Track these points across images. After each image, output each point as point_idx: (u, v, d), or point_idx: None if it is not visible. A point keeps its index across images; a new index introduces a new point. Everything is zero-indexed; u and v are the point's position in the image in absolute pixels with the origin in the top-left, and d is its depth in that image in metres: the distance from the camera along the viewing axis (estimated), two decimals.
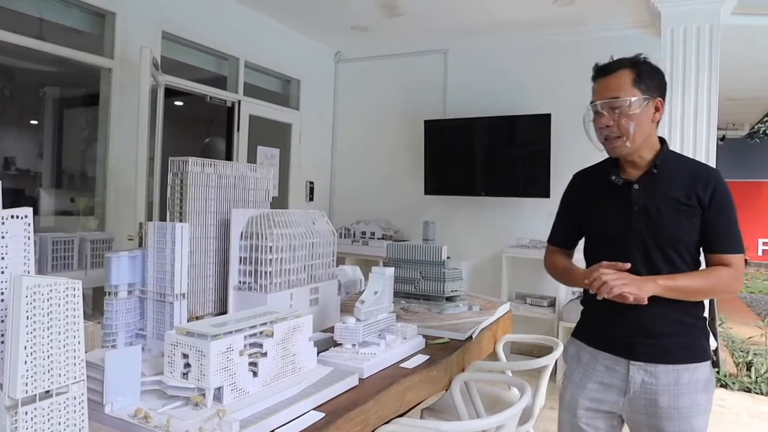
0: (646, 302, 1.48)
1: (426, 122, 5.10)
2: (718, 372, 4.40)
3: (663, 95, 1.63)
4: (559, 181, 4.61)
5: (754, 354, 4.69)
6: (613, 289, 1.47)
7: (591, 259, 1.71)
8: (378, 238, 5.01)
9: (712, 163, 3.41)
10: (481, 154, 4.94)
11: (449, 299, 2.47)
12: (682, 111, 3.48)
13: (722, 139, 11.28)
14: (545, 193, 4.58)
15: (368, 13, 4.60)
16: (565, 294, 4.51)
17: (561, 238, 1.88)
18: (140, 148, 3.23)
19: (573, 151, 4.66)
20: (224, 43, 4.53)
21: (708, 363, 1.61)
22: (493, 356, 2.46)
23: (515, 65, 4.95)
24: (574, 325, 4.29)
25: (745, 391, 4.27)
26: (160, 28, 3.95)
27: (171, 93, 4.32)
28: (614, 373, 1.64)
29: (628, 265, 1.52)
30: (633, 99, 1.56)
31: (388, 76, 5.57)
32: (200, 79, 4.43)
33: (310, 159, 5.52)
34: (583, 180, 1.85)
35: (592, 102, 1.65)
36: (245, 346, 1.37)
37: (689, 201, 1.56)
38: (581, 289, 1.82)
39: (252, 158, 4.86)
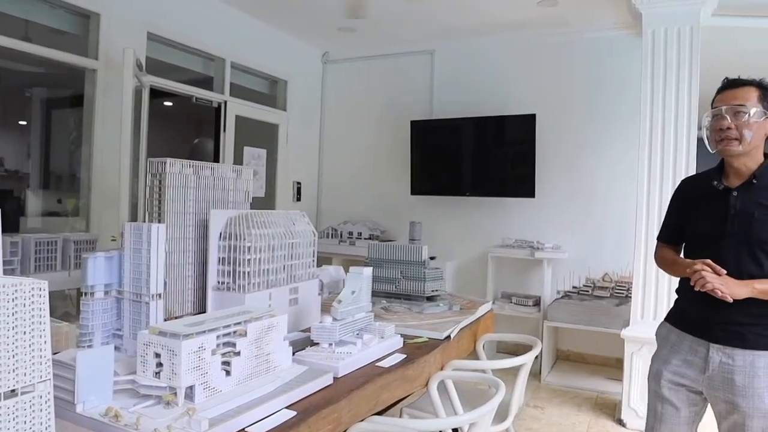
0: (731, 301, 1.68)
1: (413, 122, 5.12)
2: None
3: None
4: (544, 180, 4.67)
5: None
6: (706, 284, 1.69)
7: (689, 255, 1.93)
8: (365, 239, 5.03)
9: (692, 166, 3.45)
10: (467, 155, 4.97)
11: (430, 299, 2.49)
12: (663, 111, 3.51)
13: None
14: (530, 193, 4.61)
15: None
16: (551, 293, 4.55)
17: (668, 235, 2.09)
18: (123, 149, 3.23)
19: (558, 151, 4.72)
20: (210, 44, 4.53)
21: None
22: (474, 355, 2.48)
23: (501, 66, 4.98)
24: (558, 323, 4.33)
25: None
26: (146, 29, 3.95)
27: (160, 94, 4.32)
28: (696, 353, 1.85)
29: (725, 272, 1.72)
30: (755, 110, 1.77)
31: (375, 76, 5.59)
32: (186, 80, 4.43)
33: (297, 159, 5.53)
34: (689, 184, 2.07)
35: (715, 107, 1.84)
36: (218, 345, 1.38)
37: None
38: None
39: (239, 159, 4.86)
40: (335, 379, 1.60)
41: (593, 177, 4.59)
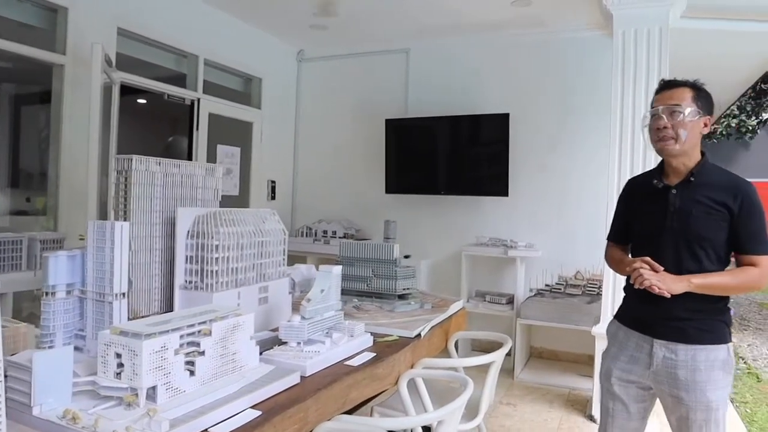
0: (668, 296, 1.75)
1: (387, 121, 5.12)
2: None
3: (711, 115, 1.92)
4: (518, 179, 4.71)
5: None
6: (644, 281, 1.77)
7: (634, 252, 2.01)
8: (339, 237, 5.02)
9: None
10: (441, 153, 4.99)
11: (401, 297, 2.49)
12: (633, 112, 3.56)
13: None
14: (504, 192, 4.65)
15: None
16: (524, 291, 4.60)
17: (615, 234, 2.15)
18: (92, 146, 3.17)
19: (531, 150, 4.76)
20: (183, 41, 4.46)
21: (725, 346, 1.83)
22: (446, 353, 2.49)
23: (475, 65, 5.01)
24: (531, 321, 4.37)
25: None
26: (116, 24, 3.87)
27: (132, 91, 4.25)
28: (642, 349, 1.91)
29: (662, 268, 1.79)
30: (689, 109, 1.84)
31: (350, 75, 5.57)
32: (159, 77, 4.36)
33: (271, 158, 5.49)
34: (633, 184, 2.13)
35: (653, 107, 1.92)
36: (181, 345, 1.36)
37: (718, 207, 1.81)
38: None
39: (212, 157, 4.81)
40: (303, 378, 1.59)
41: (565, 176, 4.65)
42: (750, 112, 11.67)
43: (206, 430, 1.23)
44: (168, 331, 1.33)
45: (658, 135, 1.87)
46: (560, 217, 4.64)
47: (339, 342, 1.83)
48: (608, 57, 3.83)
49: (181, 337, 1.37)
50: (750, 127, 11.91)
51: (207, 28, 4.64)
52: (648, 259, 1.81)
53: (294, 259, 4.92)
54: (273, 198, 5.50)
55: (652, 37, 3.59)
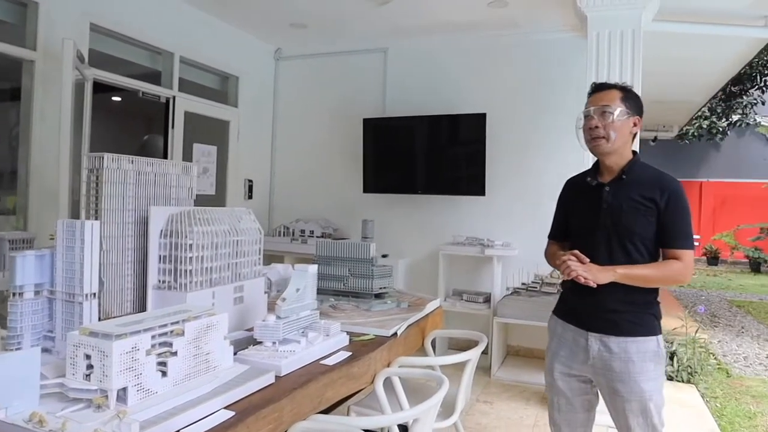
0: (594, 285, 1.85)
1: (365, 120, 5.12)
2: None
3: (640, 115, 2.01)
4: (494, 179, 4.75)
5: (678, 344, 4.94)
6: (571, 272, 1.87)
7: (572, 248, 2.02)
8: (317, 237, 5.00)
9: None
10: (419, 153, 5.00)
11: (378, 296, 2.49)
12: None
13: (654, 140, 11.85)
14: (481, 192, 4.68)
15: (306, 10, 4.58)
16: (500, 290, 4.63)
17: (555, 232, 2.24)
18: (63, 144, 3.11)
19: (507, 150, 4.80)
20: (158, 38, 4.40)
21: (656, 338, 1.92)
22: (423, 352, 2.49)
23: (453, 65, 5.03)
24: (508, 319, 4.40)
25: (668, 379, 4.49)
26: (88, 19, 3.80)
27: (106, 88, 4.17)
28: (578, 343, 1.99)
29: (588, 260, 1.90)
30: (618, 110, 1.94)
31: (328, 74, 5.56)
32: (133, 74, 4.29)
33: (249, 157, 5.44)
34: (571, 184, 2.22)
35: (585, 109, 2.02)
36: (153, 345, 1.34)
37: (647, 203, 1.91)
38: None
39: (188, 156, 4.75)
40: (278, 377, 1.58)
41: (541, 175, 4.69)
42: (720, 114, 11.93)
43: (178, 431, 1.22)
44: (139, 332, 1.31)
45: (590, 135, 1.97)
46: (536, 216, 4.68)
47: (314, 341, 1.83)
48: (583, 58, 3.89)
49: (153, 337, 1.35)
50: (720, 129, 12.18)
51: (183, 25, 4.59)
52: (576, 252, 1.91)
53: (272, 258, 4.90)
54: (250, 197, 5.45)
55: (626, 39, 3.66)
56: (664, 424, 1.94)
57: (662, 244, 1.93)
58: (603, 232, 1.95)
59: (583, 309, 1.99)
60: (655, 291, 1.97)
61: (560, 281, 2.15)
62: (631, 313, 1.92)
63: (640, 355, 1.88)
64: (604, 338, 1.92)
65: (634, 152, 2.02)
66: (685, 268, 1.89)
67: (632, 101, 1.99)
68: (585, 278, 1.84)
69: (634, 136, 2.02)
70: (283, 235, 5.20)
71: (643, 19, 3.67)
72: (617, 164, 1.98)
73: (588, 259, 1.90)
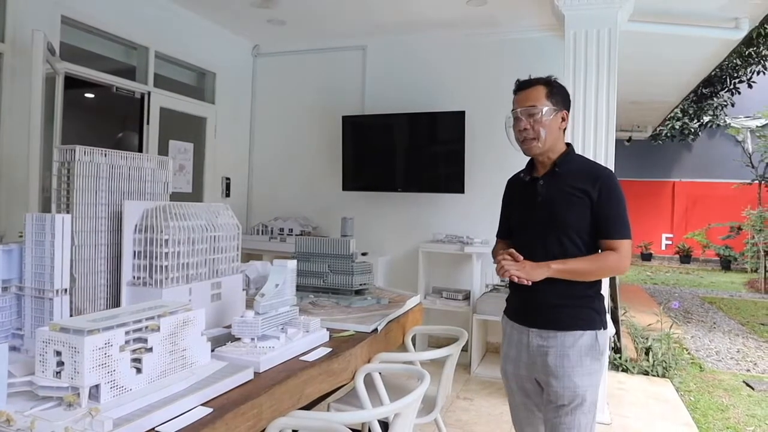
0: (529, 283, 1.82)
1: (344, 118, 5.09)
2: (619, 357, 4.68)
3: (568, 108, 1.98)
4: (474, 177, 4.76)
5: (653, 340, 5.02)
6: (505, 273, 1.83)
7: (512, 243, 2.02)
8: (296, 235, 4.94)
9: (611, 162, 3.61)
10: (399, 150, 4.99)
11: (358, 293, 2.47)
12: (584, 111, 3.65)
13: (629, 140, 12.02)
14: (460, 189, 4.69)
15: (284, 6, 4.53)
16: (480, 287, 4.65)
17: (500, 231, 2.20)
18: (32, 139, 3.02)
19: (487, 147, 4.81)
20: (132, 32, 4.31)
21: (593, 332, 1.88)
22: (403, 348, 2.48)
23: (432, 63, 5.03)
24: (487, 316, 4.41)
25: (644, 374, 4.56)
26: (59, 12, 3.70)
27: (79, 83, 4.07)
28: (521, 341, 1.95)
29: (521, 258, 1.85)
30: (545, 108, 1.90)
31: (306, 71, 5.51)
32: (107, 69, 4.19)
33: (226, 154, 5.37)
34: (512, 182, 2.20)
35: (513, 110, 1.98)
36: (127, 341, 1.31)
37: (580, 194, 1.87)
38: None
39: (164, 153, 4.66)
40: (257, 374, 1.55)
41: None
42: (692, 116, 12.16)
43: (153, 428, 1.18)
44: (113, 327, 1.27)
45: (521, 136, 1.95)
46: None
47: (294, 337, 1.80)
48: (560, 57, 3.91)
49: (127, 333, 1.31)
50: (692, 130, 12.41)
51: (158, 20, 4.50)
52: (511, 251, 1.87)
53: (250, 257, 4.83)
54: (227, 195, 5.38)
55: (602, 38, 3.69)
56: (594, 423, 1.89)
57: (598, 236, 1.88)
58: (539, 226, 1.92)
59: (524, 306, 1.96)
60: (596, 284, 1.94)
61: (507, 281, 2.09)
62: (571, 307, 1.88)
63: (576, 350, 1.84)
64: (543, 333, 1.89)
65: (567, 144, 2.00)
66: (621, 259, 1.85)
67: (558, 96, 1.95)
68: (518, 277, 1.80)
69: (565, 129, 2.00)
70: (262, 233, 5.15)
71: (619, 18, 3.71)
72: (550, 158, 1.96)
73: (521, 257, 1.85)
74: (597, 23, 3.69)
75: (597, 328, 1.89)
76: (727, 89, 10.04)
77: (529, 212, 1.97)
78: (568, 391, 1.83)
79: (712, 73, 7.64)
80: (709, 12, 4.14)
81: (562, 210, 1.89)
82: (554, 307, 1.88)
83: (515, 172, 2.20)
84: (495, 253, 2.12)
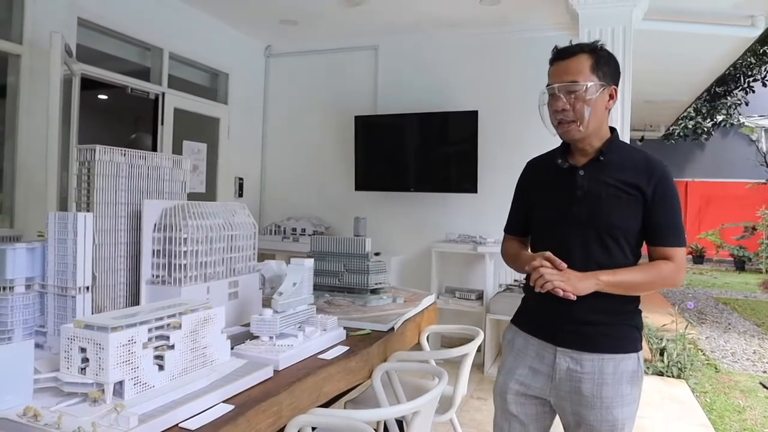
0: (575, 299, 1.48)
1: (357, 118, 5.10)
2: None
3: (617, 83, 1.63)
4: (487, 176, 4.75)
5: (668, 340, 4.98)
6: (546, 284, 1.48)
7: (536, 245, 1.72)
8: (309, 235, 4.96)
9: None
10: (411, 150, 4.99)
11: (373, 292, 2.47)
12: None
13: (641, 139, 11.95)
14: (473, 189, 4.68)
15: (296, 7, 4.55)
16: (493, 287, 4.64)
17: (514, 226, 1.87)
18: (51, 140, 3.05)
19: (499, 147, 4.81)
20: (147, 34, 4.35)
21: (636, 355, 1.59)
22: (418, 347, 2.48)
23: (444, 63, 5.03)
24: (500, 316, 4.39)
25: (659, 375, 4.53)
26: (75, 14, 3.75)
27: (93, 85, 4.11)
28: (543, 358, 1.63)
29: (565, 266, 1.52)
30: (590, 84, 1.54)
31: (318, 71, 5.53)
32: (121, 70, 4.23)
33: (239, 154, 5.40)
34: (534, 167, 1.85)
35: (548, 85, 1.62)
36: (150, 338, 1.32)
37: (631, 190, 1.56)
38: (518, 280, 1.85)
39: (177, 153, 4.70)
40: (276, 372, 1.56)
41: None
42: (705, 115, 12.07)
43: (177, 425, 1.19)
44: (135, 324, 1.28)
45: (557, 118, 1.60)
46: None
47: (312, 336, 1.80)
48: None
49: (150, 330, 1.32)
50: (705, 129, 12.31)
51: (172, 21, 4.54)
52: (549, 254, 1.53)
53: (262, 257, 4.85)
54: (240, 195, 5.41)
55: (617, 36, 3.68)
56: None
57: (650, 242, 1.59)
58: (577, 226, 1.59)
59: (550, 320, 1.62)
60: (638, 298, 1.63)
61: (522, 284, 1.82)
62: (609, 325, 1.57)
63: (617, 377, 1.54)
64: (575, 355, 1.57)
65: (611, 129, 1.66)
66: (678, 270, 1.56)
67: (606, 67, 1.57)
68: (564, 291, 1.47)
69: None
70: (275, 233, 5.17)
71: (633, 16, 3.69)
72: (593, 145, 1.62)
73: (565, 265, 1.51)
74: (611, 22, 3.68)
75: (639, 348, 1.61)
76: (741, 88, 9.96)
77: (564, 208, 1.61)
78: (606, 425, 1.54)
79: (726, 72, 7.58)
80: (724, 10, 4.11)
81: (608, 208, 1.56)
82: (591, 324, 1.56)
83: (539, 154, 1.87)
84: (512, 255, 1.82)
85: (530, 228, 1.80)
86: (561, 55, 1.61)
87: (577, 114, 1.56)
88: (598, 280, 1.51)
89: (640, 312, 1.65)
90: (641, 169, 1.58)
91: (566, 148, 1.70)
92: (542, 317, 1.65)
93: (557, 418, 1.70)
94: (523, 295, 1.84)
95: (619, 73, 1.64)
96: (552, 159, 1.73)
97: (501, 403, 1.72)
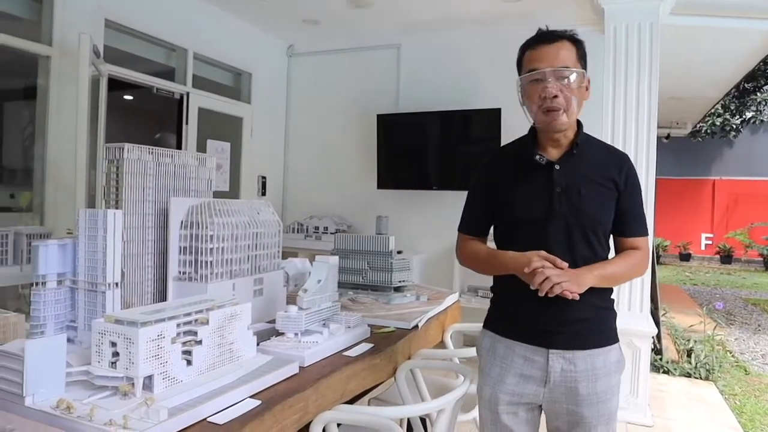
0: (578, 299, 1.42)
1: (379, 116, 5.10)
2: (660, 359, 4.56)
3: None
4: None
5: (695, 341, 4.88)
6: (555, 287, 1.39)
7: (508, 245, 1.59)
8: (331, 233, 4.98)
9: (653, 160, 3.53)
10: (433, 149, 4.98)
11: (397, 289, 2.47)
12: (625, 108, 3.58)
13: (667, 137, 11.73)
14: None
15: (319, 6, 4.57)
16: None
17: (475, 225, 1.73)
18: (80, 140, 3.11)
19: None
20: (172, 34, 4.41)
21: (617, 345, 1.60)
22: (442, 345, 2.47)
23: (466, 60, 5.00)
24: None
25: (686, 376, 4.44)
26: (103, 15, 3.81)
27: (119, 85, 4.18)
28: (533, 363, 1.56)
29: (566, 264, 1.45)
30: (581, 72, 1.51)
31: (341, 70, 5.54)
32: (147, 71, 4.30)
33: (262, 153, 5.44)
34: (496, 162, 1.74)
35: (536, 69, 1.51)
36: (178, 333, 1.33)
37: (606, 183, 1.54)
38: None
39: (202, 152, 4.75)
40: (301, 368, 1.57)
41: None
42: (734, 111, 11.81)
43: (205, 419, 1.20)
44: (164, 320, 1.30)
45: (545, 105, 1.50)
46: None
47: (336, 333, 1.81)
48: (599, 53, 3.83)
49: (178, 325, 1.33)
50: (734, 126, 12.05)
51: (196, 22, 4.59)
52: (545, 253, 1.46)
53: (285, 255, 4.87)
54: (263, 194, 5.45)
55: (643, 32, 3.61)
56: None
57: (619, 232, 1.58)
58: (561, 223, 1.52)
59: (539, 322, 1.54)
60: (612, 291, 1.63)
61: (491, 285, 1.72)
62: (596, 320, 1.56)
63: (606, 369, 1.54)
64: (568, 354, 1.52)
65: (578, 122, 1.61)
66: (646, 259, 1.57)
67: (584, 59, 1.54)
68: (572, 292, 1.40)
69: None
70: (297, 231, 5.20)
71: (660, 11, 3.62)
72: (567, 137, 1.57)
73: (566, 264, 1.44)
74: (638, 16, 3.61)
75: (618, 338, 1.61)
76: None
77: (544, 206, 1.54)
78: (603, 418, 1.54)
79: (756, 68, 7.39)
80: (755, 3, 4.00)
81: (590, 204, 1.51)
82: (581, 322, 1.53)
83: (500, 147, 1.76)
84: (474, 254, 1.69)
85: (495, 227, 1.70)
86: (547, 38, 1.53)
87: (567, 102, 1.50)
88: (593, 275, 1.48)
89: (613, 301, 1.65)
90: (611, 161, 1.58)
91: (535, 141, 1.63)
92: (529, 321, 1.56)
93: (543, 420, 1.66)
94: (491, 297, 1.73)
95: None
96: (516, 152, 1.66)
97: (491, 416, 1.63)
